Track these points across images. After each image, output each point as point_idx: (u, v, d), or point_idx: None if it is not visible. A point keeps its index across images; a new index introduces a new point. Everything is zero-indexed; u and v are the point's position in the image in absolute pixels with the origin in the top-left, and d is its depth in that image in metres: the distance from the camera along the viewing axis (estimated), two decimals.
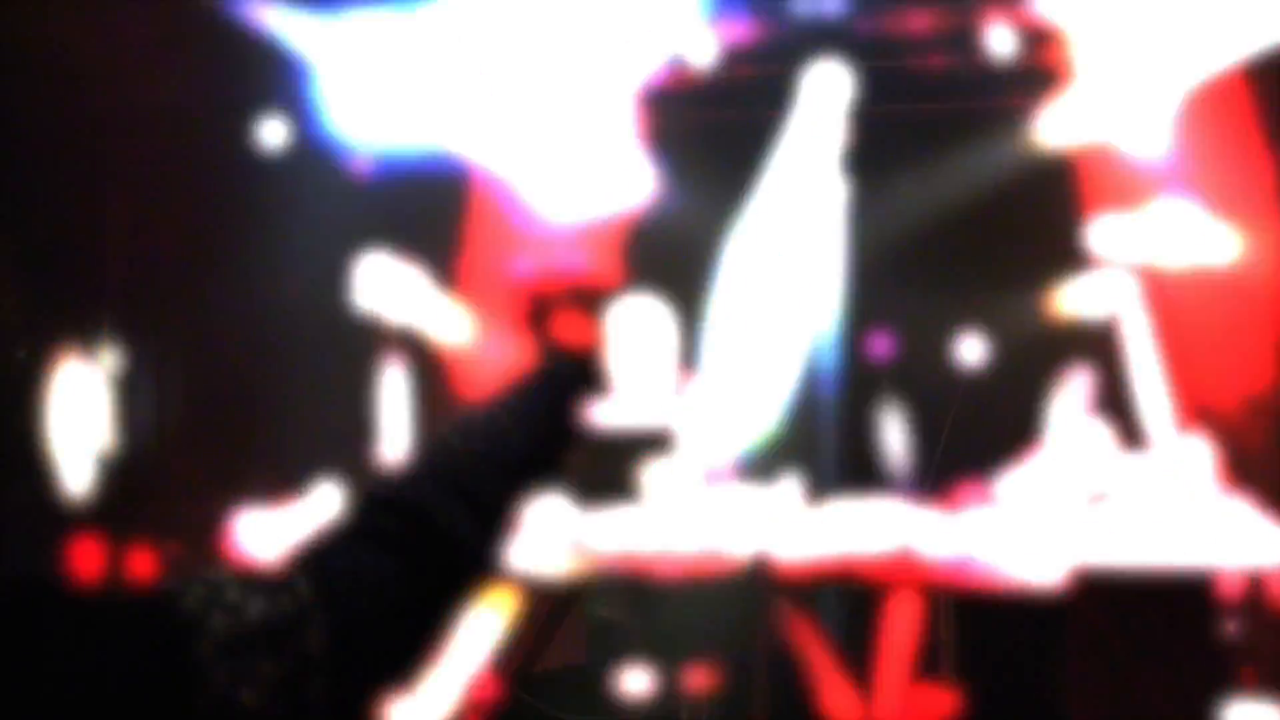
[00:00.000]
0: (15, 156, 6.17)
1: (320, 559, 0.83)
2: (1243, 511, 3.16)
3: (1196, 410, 3.23)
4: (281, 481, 4.61)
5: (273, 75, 6.82)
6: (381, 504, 0.90)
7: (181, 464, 7.04)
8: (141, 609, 0.73)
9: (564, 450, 1.06)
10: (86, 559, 6.12)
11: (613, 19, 6.29)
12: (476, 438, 0.98)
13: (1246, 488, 3.29)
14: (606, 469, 3.50)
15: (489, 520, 0.94)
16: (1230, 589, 3.05)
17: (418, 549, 0.87)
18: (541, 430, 1.02)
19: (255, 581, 0.77)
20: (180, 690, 0.71)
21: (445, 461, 0.96)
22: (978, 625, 3.20)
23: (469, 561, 0.92)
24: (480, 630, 3.37)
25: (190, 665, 0.71)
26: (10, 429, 6.42)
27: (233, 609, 0.74)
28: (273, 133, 6.92)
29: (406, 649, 0.86)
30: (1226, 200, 6.18)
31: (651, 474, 3.49)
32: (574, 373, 1.08)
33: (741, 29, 6.45)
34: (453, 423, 1.01)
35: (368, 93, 6.48)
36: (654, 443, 3.58)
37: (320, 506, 3.48)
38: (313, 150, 6.94)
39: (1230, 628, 3.02)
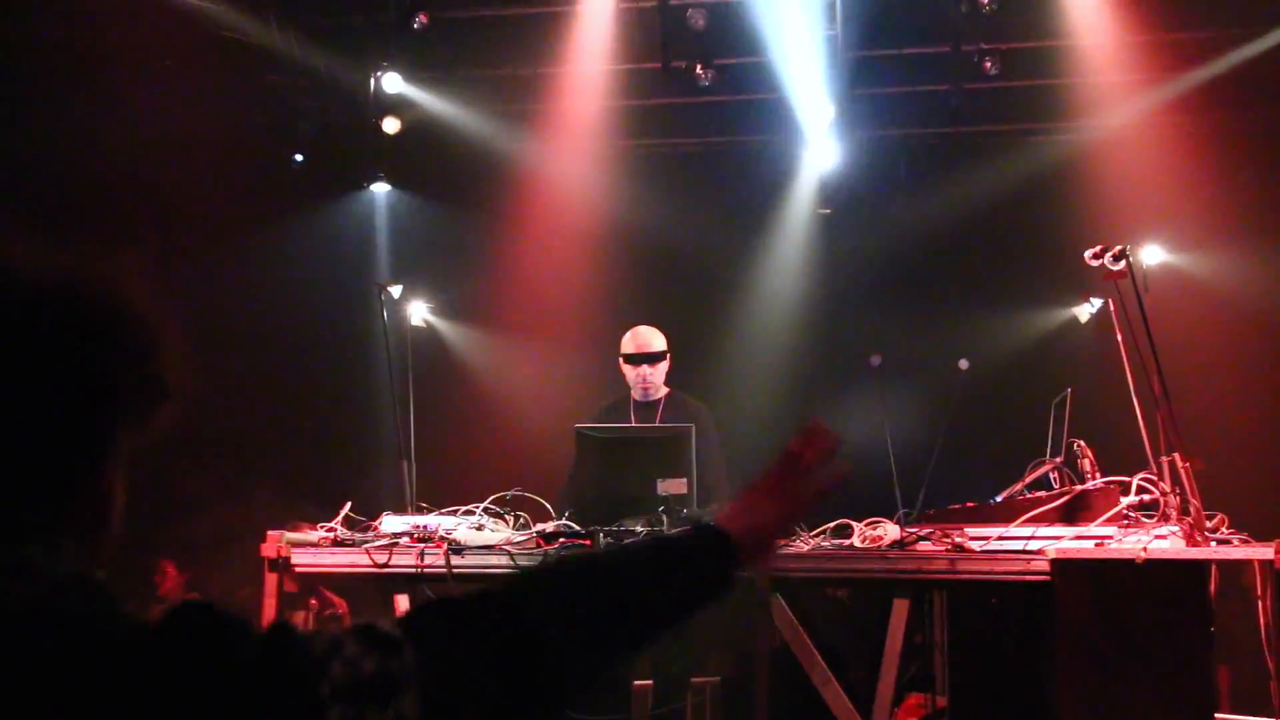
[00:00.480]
0: (40, 177, 6.22)
1: (432, 631, 0.90)
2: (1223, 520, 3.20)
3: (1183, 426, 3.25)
4: (304, 496, 4.65)
5: (295, 97, 6.89)
6: (500, 598, 0.95)
7: (197, 472, 7.04)
8: (281, 647, 0.83)
9: (686, 615, 1.04)
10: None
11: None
12: (606, 573, 1.00)
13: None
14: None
15: (590, 658, 0.96)
16: (1208, 591, 3.08)
17: (516, 654, 0.91)
18: (673, 591, 1.02)
19: (371, 640, 0.86)
20: None
21: (575, 584, 0.98)
22: (968, 624, 3.21)
23: (558, 686, 0.94)
24: None
25: (312, 702, 0.81)
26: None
27: (351, 661, 0.84)
28: (290, 157, 7.01)
29: None
30: (1207, 227, 6.24)
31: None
32: (734, 550, 1.06)
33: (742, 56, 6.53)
34: (596, 551, 1.04)
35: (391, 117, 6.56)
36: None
37: (341, 521, 3.52)
38: (328, 171, 7.01)
39: (1210, 627, 3.04)
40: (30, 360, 0.89)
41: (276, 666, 0.81)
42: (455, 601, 0.94)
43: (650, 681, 3.47)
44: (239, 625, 0.83)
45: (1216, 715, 3.04)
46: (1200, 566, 3.04)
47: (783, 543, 1.11)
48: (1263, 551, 3.01)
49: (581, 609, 0.96)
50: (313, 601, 5.41)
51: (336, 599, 5.38)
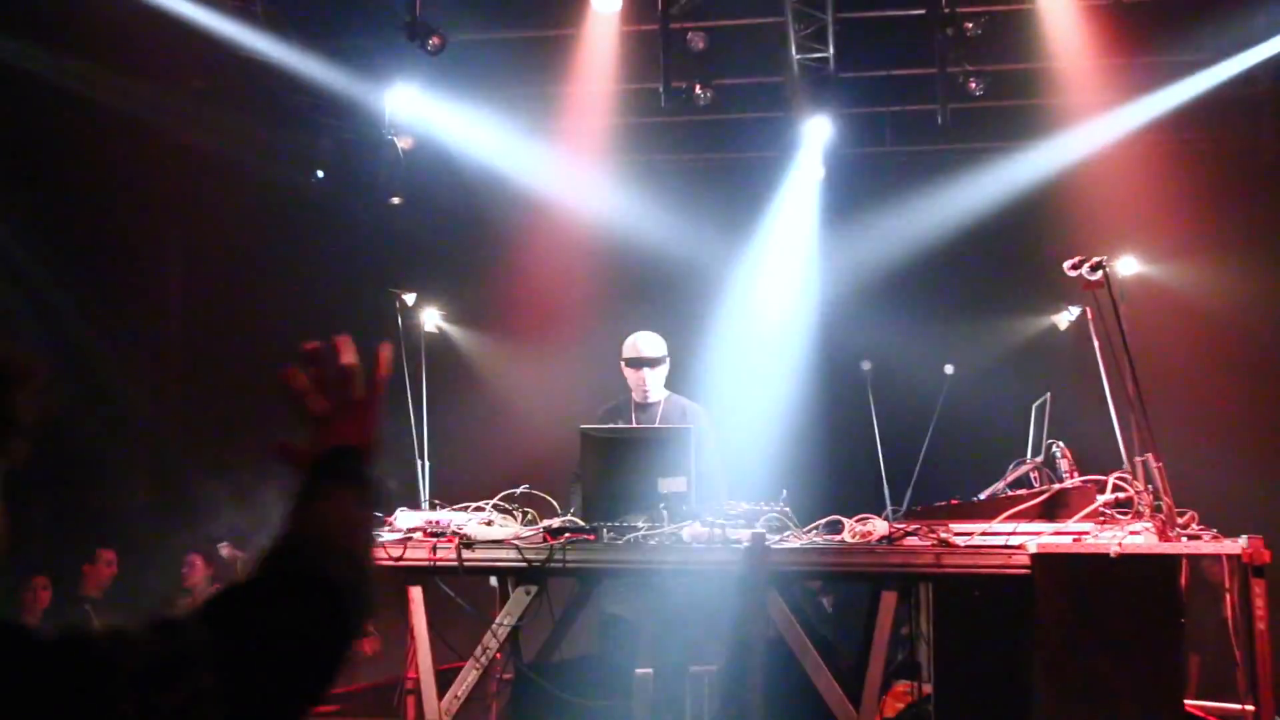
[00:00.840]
0: (83, 200, 6.25)
1: (226, 609, 0.94)
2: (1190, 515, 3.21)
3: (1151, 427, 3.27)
4: None
5: (315, 116, 6.93)
6: (275, 564, 1.01)
7: (234, 468, 7.04)
8: (68, 650, 0.83)
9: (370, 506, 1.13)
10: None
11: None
12: (330, 517, 1.07)
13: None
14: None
15: (361, 581, 1.04)
16: (1179, 583, 3.09)
17: (309, 599, 0.96)
18: (341, 504, 1.09)
19: (156, 627, 0.87)
20: (95, 717, 0.80)
21: (324, 532, 1.05)
22: (952, 616, 3.22)
23: (352, 605, 1.00)
24: (502, 622, 3.42)
25: (104, 697, 0.80)
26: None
27: (137, 650, 0.84)
28: (310, 173, 7.05)
29: (302, 683, 0.95)
30: (1179, 240, 6.27)
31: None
32: (338, 459, 1.13)
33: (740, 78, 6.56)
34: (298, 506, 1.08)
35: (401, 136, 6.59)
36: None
37: None
38: (346, 186, 7.05)
39: (1181, 618, 3.05)
40: None
41: (64, 669, 0.82)
42: (243, 583, 0.99)
43: (651, 670, 3.47)
44: (25, 635, 0.83)
45: (1186, 701, 3.06)
46: (1172, 560, 3.06)
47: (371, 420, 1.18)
48: (1231, 546, 3.02)
49: (339, 543, 1.03)
50: None
51: None
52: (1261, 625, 2.91)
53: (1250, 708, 2.96)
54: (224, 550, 6.07)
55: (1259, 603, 2.92)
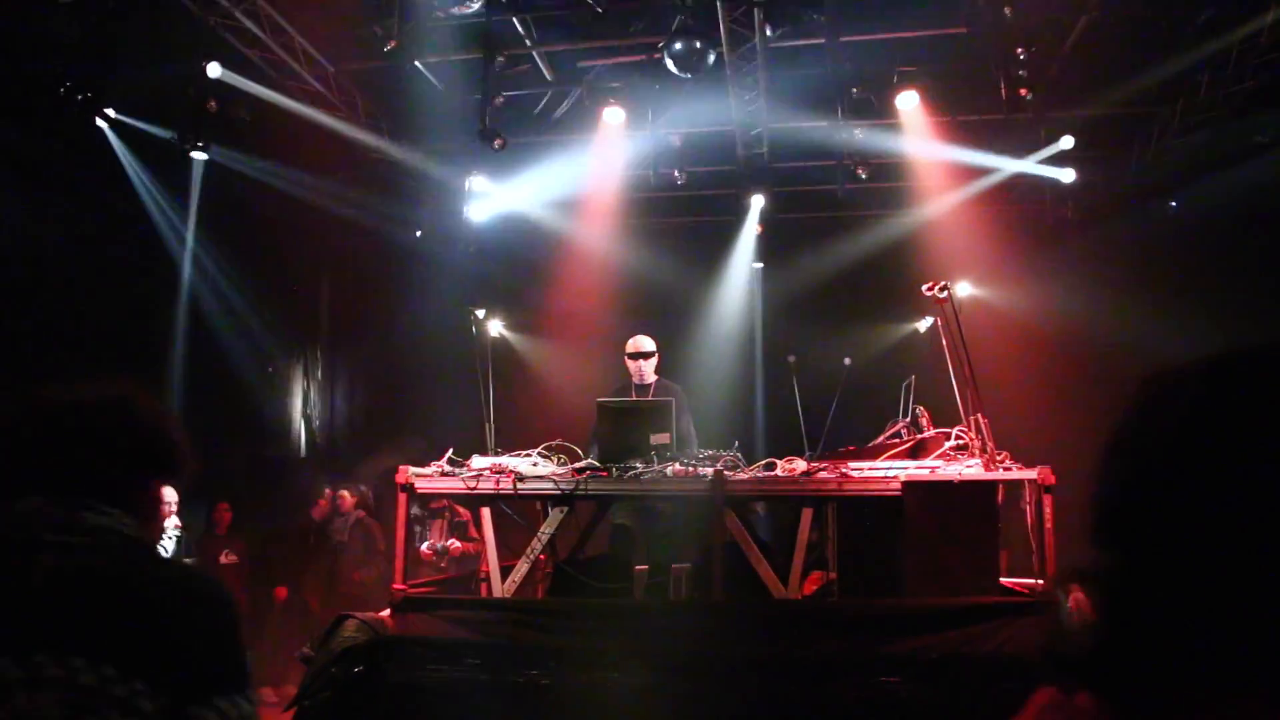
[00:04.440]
0: (266, 251, 6.30)
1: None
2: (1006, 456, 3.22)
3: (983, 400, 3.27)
4: (426, 446, 4.66)
5: (417, 193, 6.96)
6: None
7: (362, 434, 7.11)
8: None
9: None
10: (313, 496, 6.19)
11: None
12: None
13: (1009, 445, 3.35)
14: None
15: None
16: (997, 500, 3.10)
17: None
18: None
19: None
20: None
21: None
22: (849, 525, 3.22)
23: None
24: (544, 531, 3.42)
25: None
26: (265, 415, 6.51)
27: None
28: (413, 231, 7.06)
29: None
30: (996, 272, 6.32)
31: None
32: None
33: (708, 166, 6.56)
34: None
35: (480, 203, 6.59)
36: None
37: (446, 460, 3.54)
38: (437, 240, 7.08)
39: (997, 523, 3.06)
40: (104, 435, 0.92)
41: None
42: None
43: (646, 566, 3.47)
44: None
45: (1001, 579, 3.07)
46: (992, 485, 3.07)
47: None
48: (1030, 474, 3.04)
49: None
50: (446, 515, 5.39)
51: (462, 510, 5.32)
52: (1049, 526, 2.92)
53: (1040, 582, 2.98)
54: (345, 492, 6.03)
55: (1048, 512, 2.93)
